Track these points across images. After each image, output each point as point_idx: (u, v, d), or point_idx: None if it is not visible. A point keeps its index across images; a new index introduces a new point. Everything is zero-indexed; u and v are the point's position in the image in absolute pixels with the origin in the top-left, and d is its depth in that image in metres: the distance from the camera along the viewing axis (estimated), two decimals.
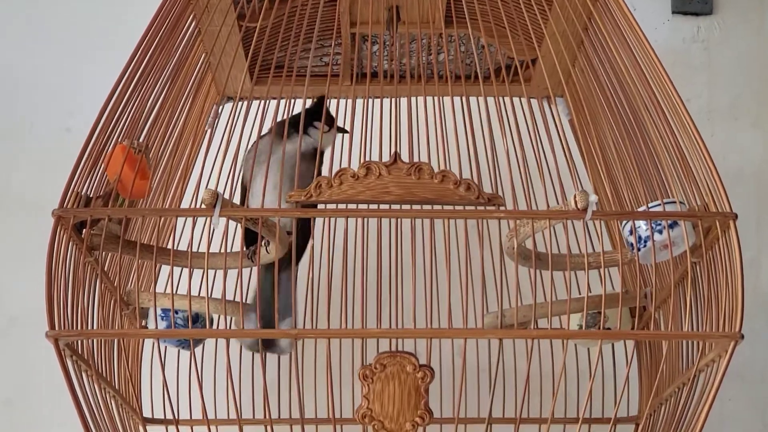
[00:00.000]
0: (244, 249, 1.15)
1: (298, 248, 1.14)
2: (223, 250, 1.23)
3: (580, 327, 1.15)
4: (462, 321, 1.02)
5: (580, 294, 1.17)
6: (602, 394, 1.34)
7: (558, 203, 1.07)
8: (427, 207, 1.04)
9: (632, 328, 1.22)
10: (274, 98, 1.27)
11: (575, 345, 1.40)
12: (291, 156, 1.17)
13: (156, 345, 1.09)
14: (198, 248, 1.18)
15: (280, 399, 1.37)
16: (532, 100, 1.34)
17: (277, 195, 1.08)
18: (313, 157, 1.20)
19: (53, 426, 1.55)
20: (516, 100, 1.28)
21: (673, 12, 1.71)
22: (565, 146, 1.13)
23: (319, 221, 1.17)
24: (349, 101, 1.35)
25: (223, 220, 1.04)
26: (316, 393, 1.35)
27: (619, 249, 1.14)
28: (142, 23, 1.16)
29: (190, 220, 1.04)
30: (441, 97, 1.22)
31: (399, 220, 1.12)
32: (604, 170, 1.26)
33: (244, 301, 1.19)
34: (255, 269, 1.25)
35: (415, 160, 1.04)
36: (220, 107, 1.41)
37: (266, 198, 1.07)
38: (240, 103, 1.30)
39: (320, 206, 1.04)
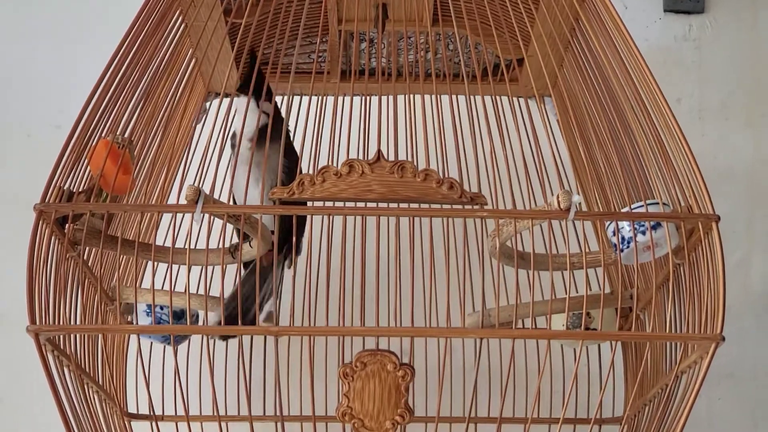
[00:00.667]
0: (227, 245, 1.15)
1: (289, 245, 1.13)
2: (206, 247, 1.22)
3: (566, 327, 1.15)
4: (445, 320, 1.02)
5: (567, 294, 1.17)
6: (588, 394, 1.35)
7: (544, 203, 1.07)
8: (411, 205, 1.03)
9: (617, 329, 1.22)
10: None
11: (561, 345, 1.40)
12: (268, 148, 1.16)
13: (139, 340, 1.09)
14: (184, 244, 1.19)
15: (266, 396, 1.37)
16: (519, 99, 1.34)
17: (259, 190, 1.08)
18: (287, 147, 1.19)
19: (43, 423, 1.55)
20: (503, 99, 1.28)
21: (665, 10, 1.71)
22: (553, 146, 1.12)
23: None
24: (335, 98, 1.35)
25: (207, 216, 1.04)
26: (301, 390, 1.35)
27: (602, 250, 1.14)
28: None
29: (175, 216, 1.04)
30: (428, 96, 1.22)
31: (381, 218, 1.12)
32: (591, 171, 1.25)
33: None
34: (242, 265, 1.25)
35: (399, 158, 1.03)
36: (208, 103, 1.41)
37: (248, 193, 1.07)
38: (225, 98, 1.30)
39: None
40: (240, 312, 1.02)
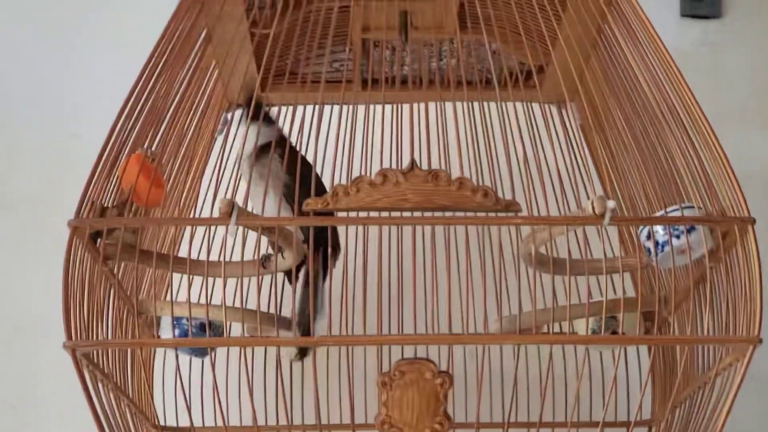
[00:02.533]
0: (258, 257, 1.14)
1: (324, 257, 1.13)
2: (238, 259, 1.22)
3: (594, 331, 1.15)
4: (478, 326, 1.02)
5: (591, 299, 1.17)
6: (615, 397, 1.34)
7: (569, 209, 1.07)
8: (446, 213, 1.03)
9: (645, 332, 1.21)
10: (284, 105, 1.26)
11: (586, 348, 1.40)
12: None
13: (170, 354, 1.09)
14: (208, 257, 1.18)
15: (293, 405, 1.37)
16: (544, 105, 1.34)
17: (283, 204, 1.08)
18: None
19: (54, 430, 1.55)
20: (529, 105, 1.28)
21: (682, 15, 1.71)
22: (579, 151, 1.13)
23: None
24: (362, 107, 1.35)
25: (240, 228, 1.03)
26: (328, 399, 1.34)
27: (632, 254, 1.14)
28: (149, 25, 1.15)
29: (201, 228, 1.04)
30: (455, 103, 1.22)
31: (416, 226, 1.12)
32: (616, 175, 1.26)
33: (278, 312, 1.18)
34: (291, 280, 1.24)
35: (431, 166, 1.03)
36: (230, 114, 1.41)
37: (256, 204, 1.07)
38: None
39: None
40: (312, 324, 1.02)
